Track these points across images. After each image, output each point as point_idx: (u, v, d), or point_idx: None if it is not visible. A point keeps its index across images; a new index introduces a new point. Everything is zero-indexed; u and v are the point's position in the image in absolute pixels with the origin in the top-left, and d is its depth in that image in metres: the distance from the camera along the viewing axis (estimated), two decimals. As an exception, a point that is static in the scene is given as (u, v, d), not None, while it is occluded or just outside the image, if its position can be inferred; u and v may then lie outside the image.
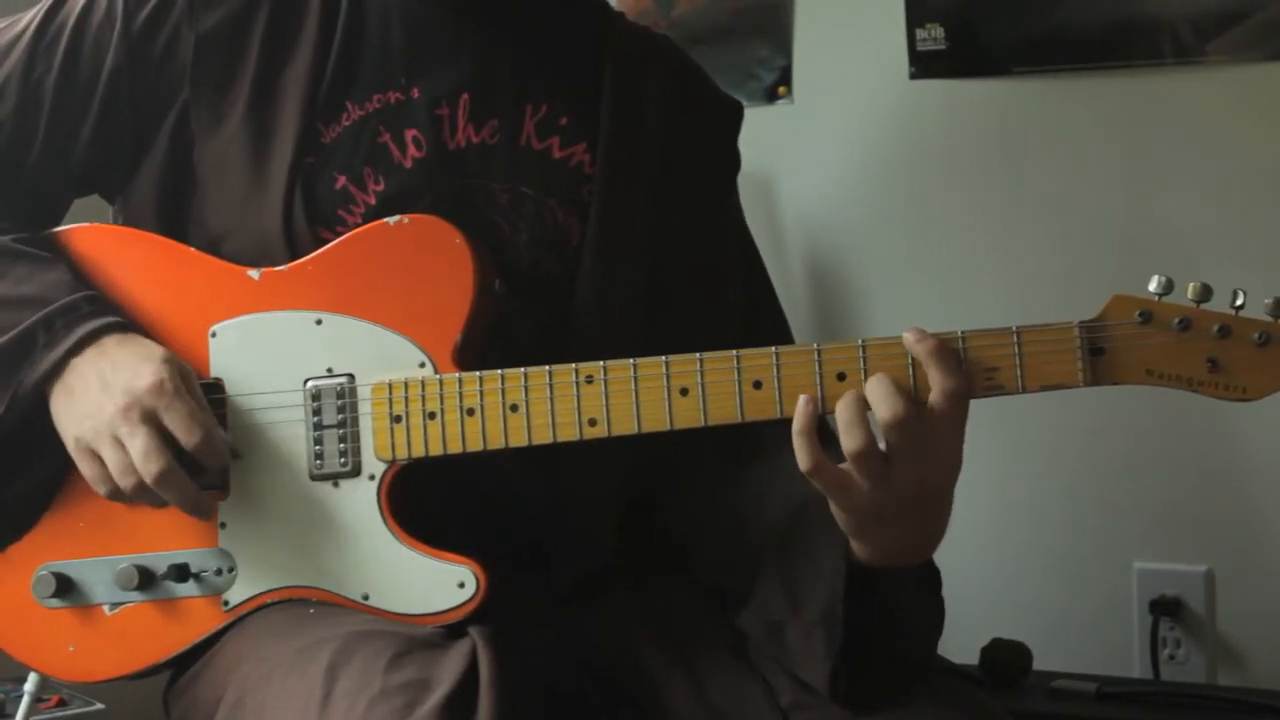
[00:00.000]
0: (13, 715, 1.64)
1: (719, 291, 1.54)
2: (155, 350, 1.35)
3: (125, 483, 1.32)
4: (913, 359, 1.23)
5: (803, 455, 1.22)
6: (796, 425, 1.22)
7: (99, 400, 1.32)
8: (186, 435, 1.31)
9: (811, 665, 1.30)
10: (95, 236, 1.46)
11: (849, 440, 1.21)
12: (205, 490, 1.36)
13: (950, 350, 1.22)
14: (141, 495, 1.33)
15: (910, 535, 1.26)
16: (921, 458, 1.21)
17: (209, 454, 1.33)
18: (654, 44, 1.60)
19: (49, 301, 1.36)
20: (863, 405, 1.22)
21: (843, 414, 1.22)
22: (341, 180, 1.42)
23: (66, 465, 1.38)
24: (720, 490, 1.45)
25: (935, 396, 1.21)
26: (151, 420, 1.31)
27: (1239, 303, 1.20)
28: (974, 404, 1.23)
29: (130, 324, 1.38)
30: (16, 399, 1.35)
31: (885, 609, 1.30)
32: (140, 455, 1.31)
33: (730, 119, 1.61)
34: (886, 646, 1.31)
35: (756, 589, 1.36)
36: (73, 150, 1.47)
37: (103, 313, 1.37)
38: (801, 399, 1.23)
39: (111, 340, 1.36)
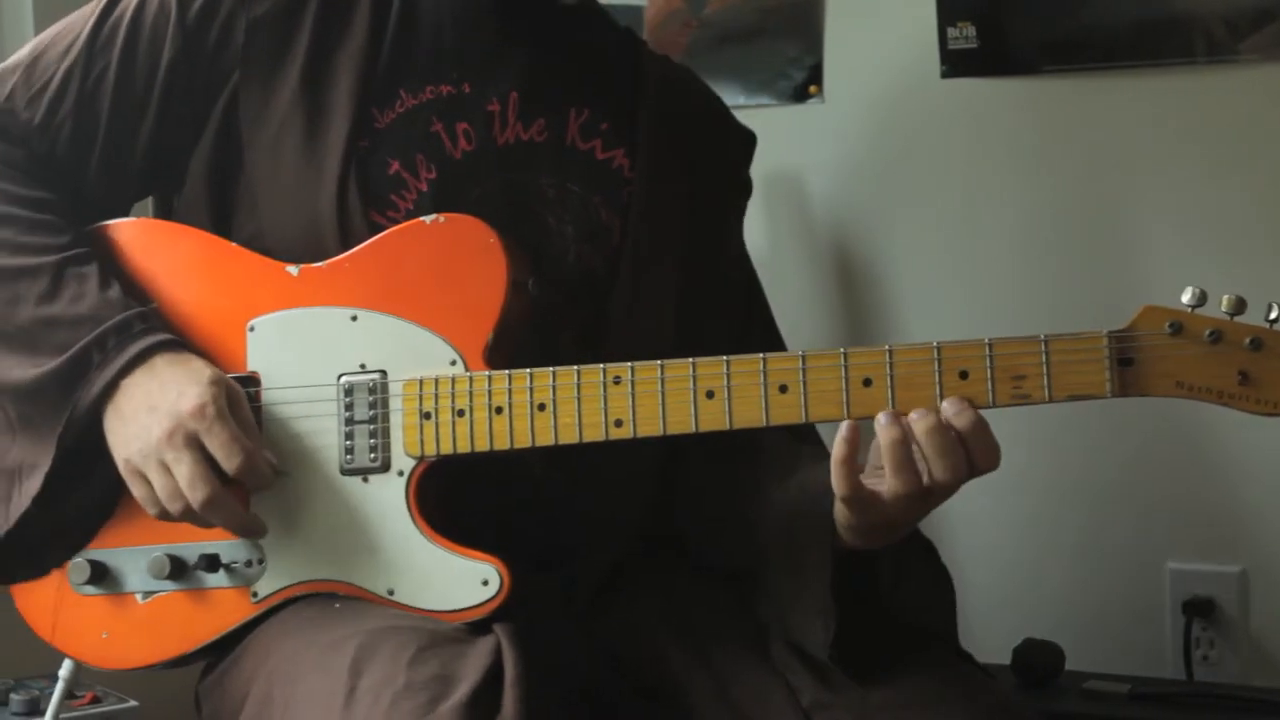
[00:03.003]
0: (45, 712, 1.66)
1: (722, 310, 1.57)
2: (203, 371, 1.35)
3: (173, 507, 1.33)
4: (939, 367, 1.24)
5: (841, 483, 1.23)
6: (839, 454, 1.23)
7: (146, 423, 1.33)
8: (226, 459, 1.32)
9: (816, 646, 1.33)
10: (136, 231, 1.48)
11: (900, 483, 1.22)
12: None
13: (987, 427, 1.22)
14: (189, 518, 1.34)
15: (900, 535, 1.30)
16: (956, 488, 1.24)
17: (250, 478, 1.34)
18: (681, 73, 1.66)
19: (102, 320, 1.37)
20: (909, 447, 1.22)
21: (893, 456, 1.22)
22: (395, 165, 1.44)
23: (119, 485, 1.39)
24: (721, 484, 1.47)
25: (981, 467, 1.22)
26: (195, 444, 1.32)
27: (1274, 315, 1.19)
28: (1005, 406, 1.24)
29: (181, 341, 1.39)
30: (73, 420, 1.36)
31: (892, 585, 1.35)
32: (186, 482, 1.32)
33: (747, 147, 1.65)
34: (892, 620, 1.36)
35: (766, 576, 1.39)
36: (134, 148, 1.48)
37: (153, 330, 1.38)
38: (844, 427, 1.23)
39: (161, 360, 1.36)
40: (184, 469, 1.32)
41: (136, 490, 1.35)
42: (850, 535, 1.30)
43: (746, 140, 1.65)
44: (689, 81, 1.65)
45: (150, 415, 1.33)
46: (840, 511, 1.28)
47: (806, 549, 1.33)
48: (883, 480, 1.24)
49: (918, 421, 1.22)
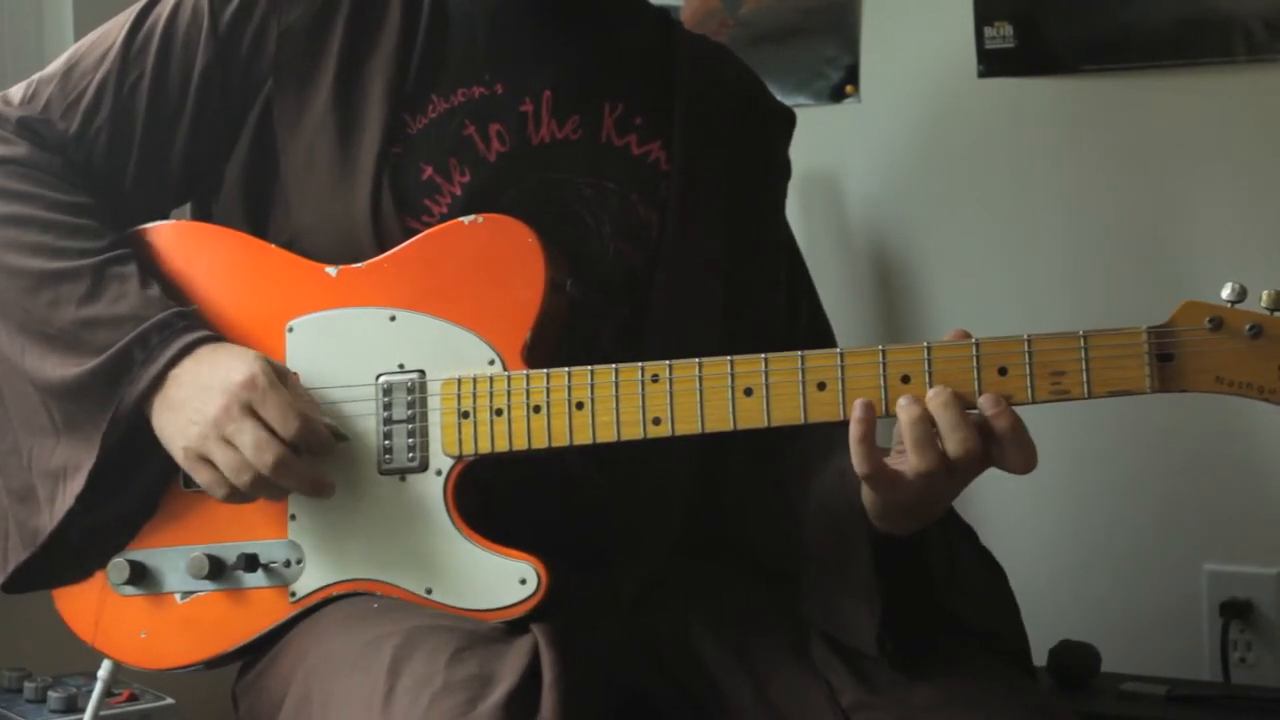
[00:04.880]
0: (84, 709, 1.67)
1: (765, 295, 1.56)
2: (247, 351, 1.36)
3: (241, 480, 1.32)
4: (979, 364, 1.23)
5: (861, 462, 1.23)
6: (856, 433, 1.23)
7: (199, 404, 1.33)
8: (283, 425, 1.32)
9: (863, 635, 1.32)
10: (175, 233, 1.49)
11: (921, 460, 1.22)
12: None
13: (1023, 428, 1.22)
14: (260, 489, 1.33)
15: (932, 515, 1.30)
16: (983, 465, 1.23)
17: (310, 442, 1.33)
18: (716, 52, 1.64)
19: (143, 319, 1.37)
20: (929, 425, 1.22)
21: (913, 433, 1.22)
22: (428, 171, 1.44)
23: (161, 483, 1.41)
24: (760, 479, 1.47)
25: (1015, 468, 1.22)
26: (252, 413, 1.32)
27: (1315, 311, 1.18)
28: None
29: (221, 337, 1.40)
30: (117, 417, 1.37)
31: (946, 578, 1.36)
32: (251, 449, 1.31)
33: (786, 128, 1.64)
34: (950, 619, 1.36)
35: (809, 567, 1.38)
36: (169, 156, 1.49)
37: (194, 327, 1.39)
38: (858, 404, 1.23)
39: (205, 349, 1.37)
40: (247, 437, 1.31)
41: (202, 476, 1.35)
42: (882, 519, 1.29)
43: (785, 120, 1.63)
44: (724, 62, 1.63)
45: (202, 396, 1.33)
46: (866, 493, 1.28)
47: (846, 533, 1.33)
48: (905, 460, 1.23)
49: (933, 398, 1.22)
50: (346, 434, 1.38)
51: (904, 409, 1.23)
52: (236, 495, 1.34)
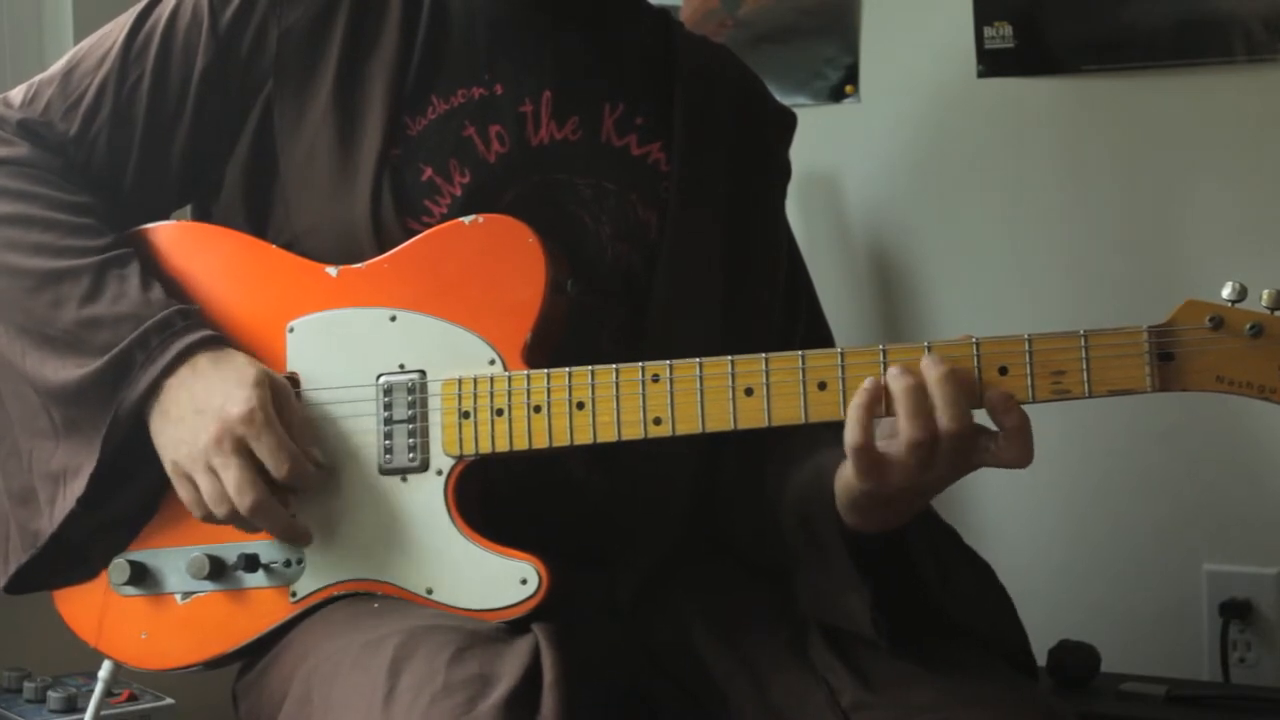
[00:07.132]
0: (83, 709, 1.67)
1: (764, 296, 1.56)
2: (248, 372, 1.36)
3: (219, 511, 1.34)
4: (979, 363, 1.23)
5: (854, 430, 1.22)
6: (857, 401, 1.22)
7: (193, 427, 1.34)
8: (275, 466, 1.33)
9: (857, 619, 1.32)
10: (176, 234, 1.49)
11: (912, 430, 1.21)
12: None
13: (1029, 426, 1.22)
14: (234, 522, 1.35)
15: (908, 512, 1.30)
16: (969, 459, 1.23)
17: (297, 482, 1.35)
18: (717, 52, 1.65)
19: (143, 319, 1.37)
20: (924, 395, 1.22)
21: (906, 402, 1.22)
22: (428, 172, 1.44)
23: (161, 483, 1.40)
24: (752, 479, 1.47)
25: (1009, 462, 1.22)
26: (243, 450, 1.33)
27: (1315, 311, 1.18)
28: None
29: (223, 338, 1.40)
30: (117, 420, 1.37)
31: (939, 582, 1.36)
32: (234, 487, 1.32)
33: (787, 129, 1.64)
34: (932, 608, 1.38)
35: (797, 565, 1.39)
36: (169, 157, 1.49)
37: (195, 328, 1.38)
38: (869, 380, 1.23)
39: (205, 359, 1.37)
40: (231, 474, 1.32)
41: (183, 493, 1.36)
42: (855, 509, 1.29)
43: (785, 120, 1.63)
44: (725, 63, 1.63)
45: (197, 418, 1.34)
46: (842, 484, 1.28)
47: (818, 530, 1.33)
48: (893, 444, 1.23)
49: (929, 368, 1.22)
50: (332, 464, 1.38)
51: (896, 378, 1.22)
52: (211, 519, 1.36)
